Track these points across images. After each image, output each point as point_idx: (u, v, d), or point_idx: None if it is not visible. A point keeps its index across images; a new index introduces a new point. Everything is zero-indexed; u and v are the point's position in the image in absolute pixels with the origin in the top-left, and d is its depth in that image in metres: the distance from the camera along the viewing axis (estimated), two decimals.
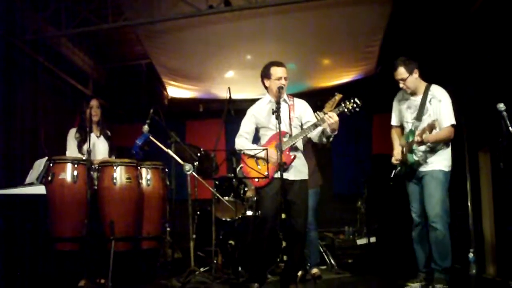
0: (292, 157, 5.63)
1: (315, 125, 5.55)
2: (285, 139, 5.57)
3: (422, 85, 5.98)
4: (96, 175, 6.28)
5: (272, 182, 5.60)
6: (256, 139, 5.97)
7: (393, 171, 6.19)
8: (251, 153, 5.71)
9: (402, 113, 6.16)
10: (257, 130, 5.95)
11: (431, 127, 5.58)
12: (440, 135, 5.76)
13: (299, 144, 5.78)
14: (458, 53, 8.07)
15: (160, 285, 6.45)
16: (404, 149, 5.96)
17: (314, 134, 5.71)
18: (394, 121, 6.34)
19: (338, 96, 6.95)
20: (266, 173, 5.55)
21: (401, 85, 5.96)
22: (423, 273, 6.00)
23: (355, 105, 5.57)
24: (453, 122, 5.78)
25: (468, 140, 7.55)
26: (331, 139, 5.65)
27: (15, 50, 7.87)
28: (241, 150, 5.83)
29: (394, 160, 6.12)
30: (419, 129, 5.78)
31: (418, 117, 5.90)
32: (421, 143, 5.71)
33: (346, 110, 5.57)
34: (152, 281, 6.59)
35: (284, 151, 5.49)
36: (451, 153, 5.92)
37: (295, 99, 5.95)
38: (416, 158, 5.87)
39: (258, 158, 5.69)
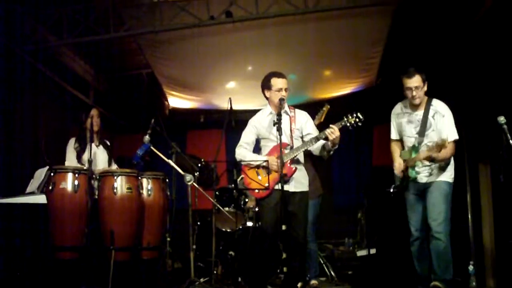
0: (294, 169, 5.63)
1: (317, 138, 5.54)
2: (286, 151, 5.57)
3: (424, 99, 5.95)
4: (96, 185, 6.28)
5: (273, 193, 5.60)
6: (257, 150, 5.96)
7: (393, 185, 6.17)
8: (252, 163, 5.72)
9: (402, 127, 6.09)
10: (258, 141, 5.94)
11: (441, 146, 5.48)
12: (448, 152, 5.72)
13: (300, 156, 5.77)
14: (459, 65, 8.08)
15: None
16: (407, 163, 5.94)
17: (315, 147, 5.71)
18: (393, 135, 6.26)
19: (326, 107, 6.97)
20: (266, 184, 5.56)
21: (413, 93, 5.82)
22: (423, 286, 5.99)
23: (357, 120, 5.49)
24: (456, 137, 5.79)
25: (468, 152, 7.55)
26: (331, 152, 5.65)
27: (15, 59, 7.86)
28: (241, 160, 5.84)
29: (397, 173, 6.08)
30: (424, 144, 5.76)
31: (421, 133, 5.86)
32: (431, 160, 5.68)
33: (348, 124, 5.50)
34: None
35: (285, 163, 5.48)
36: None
37: (297, 110, 5.95)
38: (419, 171, 5.87)
39: (259, 167, 5.70)
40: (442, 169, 5.84)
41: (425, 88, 5.88)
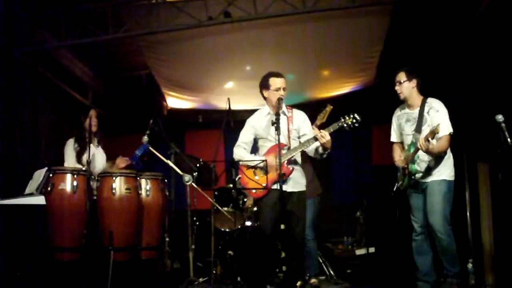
0: (291, 169, 5.63)
1: (315, 139, 5.55)
2: (283, 151, 5.55)
3: (419, 98, 6.07)
4: (95, 186, 6.28)
5: (270, 193, 5.59)
6: (254, 150, 5.97)
7: (395, 185, 6.21)
8: (250, 163, 5.72)
9: (402, 126, 6.20)
10: (255, 141, 5.95)
11: (434, 133, 5.57)
12: (441, 145, 5.79)
13: (298, 156, 5.78)
14: (457, 64, 8.09)
15: None
16: (407, 160, 5.97)
17: (310, 149, 5.71)
18: (393, 138, 6.39)
19: (329, 108, 6.93)
20: (264, 184, 5.55)
21: (396, 88, 6.07)
22: (421, 283, 6.01)
23: (354, 121, 5.57)
24: (451, 130, 5.85)
25: (467, 151, 7.56)
26: (324, 156, 5.66)
27: (14, 61, 7.84)
28: (239, 160, 5.83)
29: (398, 164, 6.14)
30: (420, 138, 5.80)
31: (418, 129, 5.94)
32: (427, 152, 5.72)
33: (345, 125, 5.57)
34: None
35: (282, 163, 5.47)
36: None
37: (294, 110, 5.95)
38: (418, 168, 5.90)
39: (257, 168, 5.69)
40: (441, 167, 5.90)
41: (412, 84, 6.04)
